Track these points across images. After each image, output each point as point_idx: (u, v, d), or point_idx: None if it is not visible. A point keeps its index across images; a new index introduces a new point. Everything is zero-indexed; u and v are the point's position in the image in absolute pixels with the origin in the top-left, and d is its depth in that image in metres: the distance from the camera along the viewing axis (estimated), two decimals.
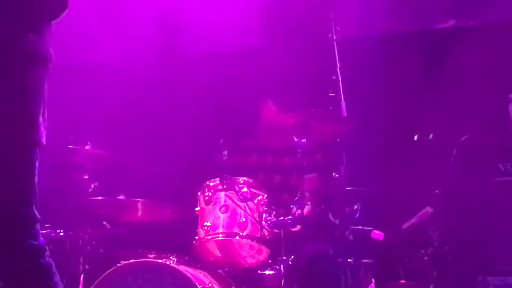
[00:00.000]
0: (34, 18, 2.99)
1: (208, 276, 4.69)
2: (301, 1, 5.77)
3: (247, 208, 4.82)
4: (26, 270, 2.97)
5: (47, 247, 2.94)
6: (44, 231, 3.72)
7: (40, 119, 2.99)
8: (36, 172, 2.99)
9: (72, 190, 5.07)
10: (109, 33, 5.20)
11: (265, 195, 4.89)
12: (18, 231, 2.92)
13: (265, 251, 4.87)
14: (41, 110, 3.00)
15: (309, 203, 5.08)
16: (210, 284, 4.53)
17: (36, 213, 2.97)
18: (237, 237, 4.82)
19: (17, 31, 2.96)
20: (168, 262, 4.55)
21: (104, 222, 5.17)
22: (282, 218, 4.96)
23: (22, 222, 2.93)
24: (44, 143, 3.02)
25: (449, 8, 6.09)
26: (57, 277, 3.03)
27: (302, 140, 5.05)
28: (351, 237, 5.04)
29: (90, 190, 4.98)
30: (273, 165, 5.48)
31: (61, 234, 4.79)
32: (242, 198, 4.85)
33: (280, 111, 5.39)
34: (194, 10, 6.22)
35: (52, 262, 2.98)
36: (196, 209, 4.90)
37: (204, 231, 4.78)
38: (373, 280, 5.09)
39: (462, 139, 5.35)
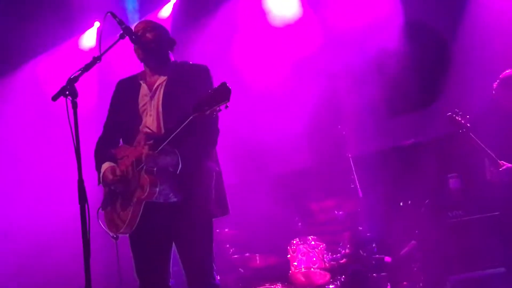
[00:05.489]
0: None
1: None
2: (331, 139, 7.32)
3: (315, 252, 6.60)
4: None
5: None
6: None
7: None
8: None
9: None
10: None
11: (324, 244, 6.68)
12: None
13: (328, 275, 6.58)
14: None
15: (348, 246, 6.72)
16: None
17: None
18: (312, 269, 6.55)
19: None
20: (279, 286, 6.40)
21: (240, 269, 6.94)
22: (334, 256, 6.71)
23: None
24: None
25: (409, 133, 7.52)
26: None
27: (340, 212, 6.94)
28: (373, 262, 6.64)
29: (230, 252, 6.92)
30: (327, 228, 7.05)
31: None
32: (311, 247, 6.66)
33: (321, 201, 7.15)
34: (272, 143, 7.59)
35: None
36: (288, 256, 6.71)
37: (293, 267, 6.63)
38: (388, 284, 6.58)
39: (426, 202, 6.62)
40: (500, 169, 5.47)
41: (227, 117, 4.28)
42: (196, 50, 7.72)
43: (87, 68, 3.74)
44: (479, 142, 5.56)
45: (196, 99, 3.67)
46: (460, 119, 5.66)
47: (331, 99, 7.74)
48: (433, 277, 6.38)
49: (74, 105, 3.53)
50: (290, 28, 8.07)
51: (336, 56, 7.70)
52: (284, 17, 8.16)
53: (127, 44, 4.19)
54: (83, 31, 8.70)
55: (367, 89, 7.63)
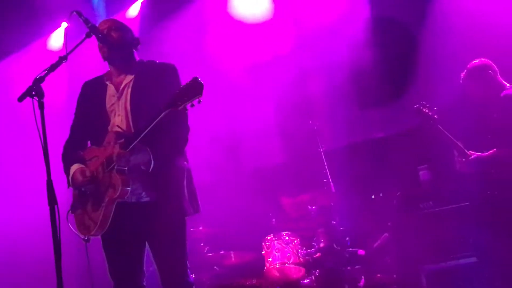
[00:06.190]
0: None
1: None
2: (302, 134, 7.27)
3: (289, 248, 6.63)
4: None
5: None
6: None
7: None
8: None
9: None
10: None
11: (298, 239, 6.71)
12: None
13: (303, 270, 6.61)
14: None
15: (322, 240, 6.71)
16: None
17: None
18: (286, 264, 6.58)
19: None
20: (254, 283, 6.35)
21: (215, 267, 6.92)
22: (308, 250, 6.73)
23: None
24: None
25: (380, 126, 7.62)
26: None
27: (313, 207, 6.93)
28: (347, 255, 6.66)
29: (205, 250, 6.87)
30: (301, 223, 7.05)
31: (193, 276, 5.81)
32: (285, 243, 6.69)
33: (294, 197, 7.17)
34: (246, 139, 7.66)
35: None
36: (262, 252, 6.73)
37: (268, 263, 6.65)
38: (363, 277, 6.60)
39: (397, 194, 6.64)
40: (469, 159, 5.48)
41: (198, 114, 4.25)
42: (165, 48, 7.66)
43: (53, 68, 3.70)
44: (447, 133, 5.59)
45: (169, 94, 3.63)
46: (427, 111, 5.69)
47: (301, 95, 7.73)
48: (406, 268, 6.41)
49: (41, 106, 3.50)
50: (260, 24, 8.06)
51: (306, 51, 7.73)
52: (254, 14, 8.14)
53: (95, 43, 4.14)
54: (50, 32, 8.56)
55: (337, 84, 7.64)
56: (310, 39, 7.69)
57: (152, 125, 3.67)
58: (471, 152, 5.55)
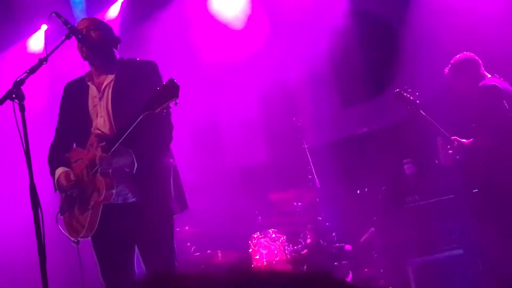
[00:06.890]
0: None
1: None
2: (286, 131, 7.27)
3: (276, 245, 6.64)
4: None
5: None
6: None
7: None
8: None
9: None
10: None
11: (284, 236, 6.71)
12: None
13: (290, 267, 6.55)
14: None
15: (308, 236, 6.70)
16: None
17: None
18: (273, 261, 6.58)
19: None
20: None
21: (202, 266, 6.80)
22: (295, 247, 6.72)
23: None
24: None
25: (363, 121, 7.45)
26: None
27: (299, 204, 6.95)
28: (334, 251, 6.65)
29: (191, 250, 6.88)
30: (287, 220, 7.03)
31: None
32: (272, 240, 6.70)
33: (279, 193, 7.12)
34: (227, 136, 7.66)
35: None
36: (249, 250, 6.74)
37: (255, 261, 6.66)
38: (350, 271, 6.61)
39: (383, 188, 6.73)
40: (455, 146, 5.42)
41: (181, 112, 4.21)
42: (145, 49, 7.60)
43: (33, 70, 3.67)
44: (429, 118, 5.52)
45: (145, 97, 3.60)
46: (408, 95, 5.60)
47: (285, 92, 7.71)
48: (393, 262, 6.44)
49: (22, 108, 3.46)
50: (241, 22, 8.02)
51: (288, 48, 7.70)
52: (234, 12, 8.11)
53: (75, 44, 4.08)
54: (30, 34, 8.47)
55: (320, 80, 7.64)
56: (292, 35, 7.67)
57: (131, 128, 3.66)
58: (454, 137, 5.49)
